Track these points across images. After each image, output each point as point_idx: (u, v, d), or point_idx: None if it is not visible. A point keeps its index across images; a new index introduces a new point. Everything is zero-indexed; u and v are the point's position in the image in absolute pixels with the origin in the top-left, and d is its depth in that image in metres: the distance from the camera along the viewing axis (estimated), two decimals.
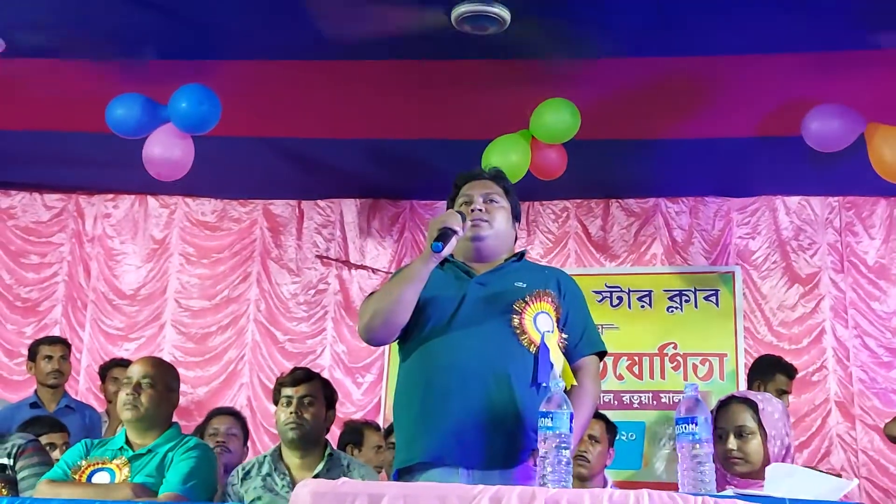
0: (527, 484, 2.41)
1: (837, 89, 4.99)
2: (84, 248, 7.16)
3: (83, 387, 6.76)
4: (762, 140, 5.66)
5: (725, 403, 2.91)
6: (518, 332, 2.78)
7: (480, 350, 2.74)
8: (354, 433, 5.18)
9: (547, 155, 5.37)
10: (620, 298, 6.49)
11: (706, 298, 6.42)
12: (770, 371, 5.33)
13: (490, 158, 5.08)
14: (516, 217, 3.10)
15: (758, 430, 2.76)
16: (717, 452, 2.73)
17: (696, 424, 2.20)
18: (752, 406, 2.80)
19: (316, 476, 3.51)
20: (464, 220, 2.82)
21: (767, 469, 2.42)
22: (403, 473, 2.75)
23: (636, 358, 6.32)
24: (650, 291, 6.47)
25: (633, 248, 6.78)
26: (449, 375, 2.73)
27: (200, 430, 4.82)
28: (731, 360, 6.20)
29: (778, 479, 2.29)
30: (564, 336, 2.87)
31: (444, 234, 2.72)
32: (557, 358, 2.78)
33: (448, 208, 3.06)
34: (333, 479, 2.18)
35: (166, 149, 5.14)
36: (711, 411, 2.79)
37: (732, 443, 2.81)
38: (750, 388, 5.30)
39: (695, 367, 6.24)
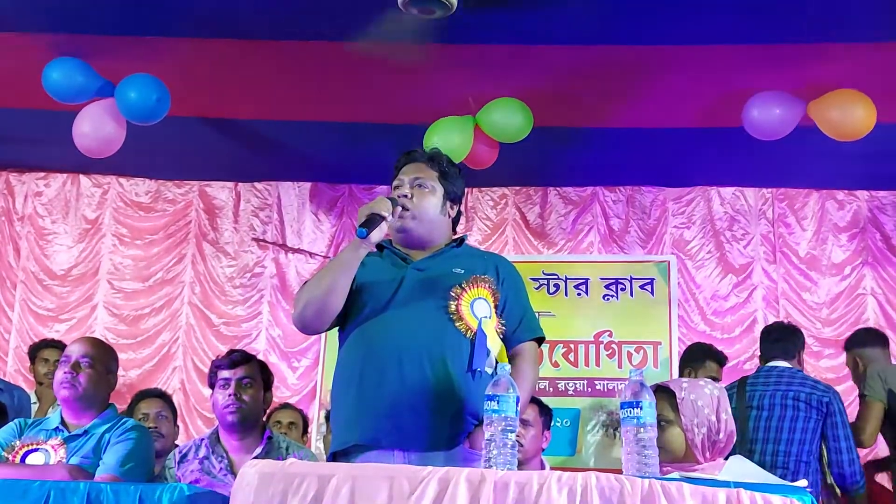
0: (466, 466, 2.40)
1: (775, 82, 5.05)
2: (14, 226, 7.02)
3: (11, 368, 6.63)
4: (699, 131, 5.74)
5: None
6: (454, 317, 2.78)
7: (416, 334, 2.74)
8: None
9: (481, 147, 5.37)
10: (557, 286, 6.50)
11: (642, 287, 6.46)
12: (701, 358, 5.40)
13: (432, 139, 5.08)
14: (454, 199, 3.03)
15: (676, 418, 2.77)
16: None
17: (641, 409, 2.21)
18: (672, 395, 2.82)
19: (255, 458, 3.47)
20: (395, 205, 2.81)
21: (729, 461, 2.44)
22: (339, 456, 2.74)
23: (572, 345, 6.34)
24: (587, 279, 6.49)
25: (571, 236, 6.83)
26: (384, 359, 2.73)
27: (127, 415, 4.73)
28: (666, 349, 6.25)
29: (731, 472, 2.31)
30: (503, 322, 2.87)
31: (371, 220, 2.71)
32: (494, 344, 2.80)
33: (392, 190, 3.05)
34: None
35: (98, 124, 5.04)
36: None
37: None
38: (681, 375, 5.37)
39: (629, 355, 6.28)
